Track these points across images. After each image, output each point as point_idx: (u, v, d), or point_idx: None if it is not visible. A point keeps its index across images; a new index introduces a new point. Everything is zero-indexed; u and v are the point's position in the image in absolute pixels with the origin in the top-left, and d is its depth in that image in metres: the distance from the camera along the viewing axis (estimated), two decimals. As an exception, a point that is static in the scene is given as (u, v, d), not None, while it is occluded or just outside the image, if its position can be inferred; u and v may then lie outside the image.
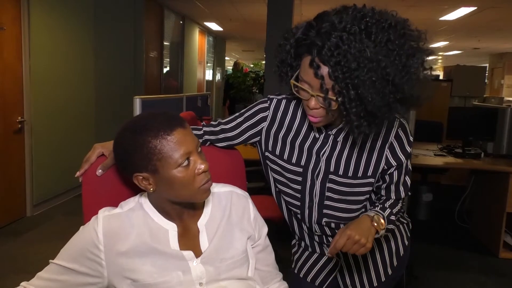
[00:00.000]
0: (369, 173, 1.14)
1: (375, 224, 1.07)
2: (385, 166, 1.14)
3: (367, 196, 1.19)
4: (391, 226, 1.15)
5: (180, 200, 0.99)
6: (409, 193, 1.21)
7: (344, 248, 1.02)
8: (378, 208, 1.15)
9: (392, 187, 1.18)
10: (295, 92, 1.03)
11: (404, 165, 1.15)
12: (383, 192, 1.19)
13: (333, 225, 1.22)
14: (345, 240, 1.01)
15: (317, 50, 0.92)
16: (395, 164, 1.14)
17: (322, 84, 0.93)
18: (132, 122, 0.97)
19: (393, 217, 1.15)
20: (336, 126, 1.14)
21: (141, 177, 0.96)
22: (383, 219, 1.10)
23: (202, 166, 0.95)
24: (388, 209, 1.15)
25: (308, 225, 1.26)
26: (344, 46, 0.89)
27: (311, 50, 0.94)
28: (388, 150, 1.13)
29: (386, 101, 0.93)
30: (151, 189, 0.96)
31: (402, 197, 1.19)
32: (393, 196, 1.18)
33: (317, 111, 1.01)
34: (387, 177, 1.16)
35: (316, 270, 1.36)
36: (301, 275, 1.38)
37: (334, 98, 0.95)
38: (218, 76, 11.89)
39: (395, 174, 1.16)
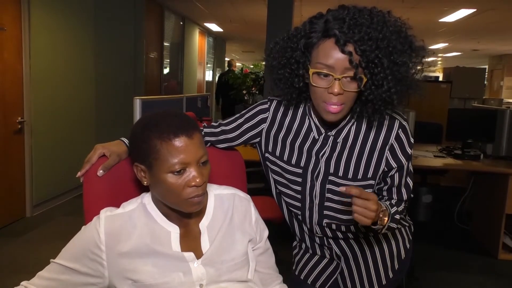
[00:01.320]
0: (369, 175, 1.14)
1: (380, 215, 1.05)
2: (385, 168, 1.14)
3: None
4: (394, 225, 1.15)
5: (168, 205, 0.99)
6: (412, 195, 1.21)
7: (356, 202, 0.96)
8: (387, 203, 1.14)
9: (394, 189, 1.17)
10: (312, 83, 1.03)
11: (405, 167, 1.15)
12: (385, 194, 1.19)
13: (334, 226, 1.22)
14: (368, 196, 0.96)
15: (338, 30, 0.96)
16: (396, 166, 1.13)
17: (351, 60, 0.96)
18: (149, 116, 1.00)
19: (397, 216, 1.15)
20: (336, 127, 1.14)
21: (139, 168, 0.98)
22: (388, 216, 1.08)
23: (197, 180, 0.94)
24: (395, 207, 1.15)
25: (309, 226, 1.26)
26: (365, 22, 0.95)
27: (331, 33, 0.97)
28: (388, 151, 1.13)
29: (412, 66, 1.01)
30: (145, 182, 0.99)
31: (404, 199, 1.19)
32: (395, 197, 1.18)
33: (340, 97, 1.00)
34: (388, 179, 1.16)
35: (317, 272, 1.36)
36: (302, 277, 1.38)
37: (362, 74, 0.98)
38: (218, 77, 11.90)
39: (396, 176, 1.15)
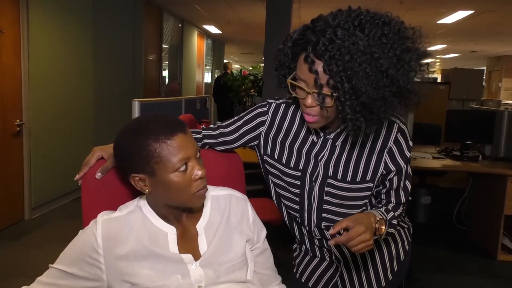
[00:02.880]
0: (368, 177, 1.14)
1: (377, 226, 1.07)
2: (384, 171, 1.14)
3: (366, 200, 1.18)
4: (391, 230, 1.15)
5: (175, 205, 0.99)
6: (410, 198, 1.21)
7: (350, 243, 0.97)
8: (383, 209, 1.15)
9: (392, 192, 1.18)
10: (292, 92, 1.03)
11: (403, 170, 1.15)
12: (383, 197, 1.19)
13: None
14: (359, 233, 0.97)
15: (312, 46, 0.93)
16: (395, 169, 1.13)
17: (316, 79, 0.94)
18: (134, 123, 0.98)
19: (394, 221, 1.16)
20: (334, 130, 1.14)
21: (137, 178, 0.97)
22: (385, 223, 1.10)
23: (199, 172, 0.95)
24: (391, 212, 1.15)
25: (307, 229, 1.26)
26: (338, 41, 0.90)
27: (306, 47, 0.95)
28: (387, 155, 1.13)
29: (382, 94, 0.93)
30: (147, 190, 0.98)
31: (402, 201, 1.19)
32: (393, 200, 1.18)
33: (313, 109, 1.01)
34: (387, 183, 1.16)
35: (317, 275, 1.36)
36: (303, 280, 1.38)
37: (329, 93, 0.95)
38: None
39: (395, 179, 1.15)
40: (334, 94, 0.94)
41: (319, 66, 0.93)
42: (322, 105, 0.97)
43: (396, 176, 1.15)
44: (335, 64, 0.90)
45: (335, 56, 0.90)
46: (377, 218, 1.08)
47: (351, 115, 0.95)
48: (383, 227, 1.09)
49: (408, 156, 1.14)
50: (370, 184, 1.15)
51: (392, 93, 0.95)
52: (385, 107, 0.96)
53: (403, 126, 1.13)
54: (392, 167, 1.13)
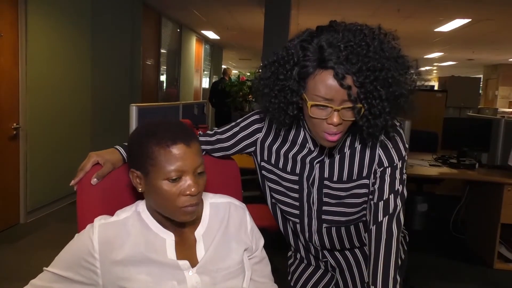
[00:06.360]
0: (364, 173, 1.12)
1: None
2: (377, 166, 1.11)
3: (365, 198, 1.15)
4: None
5: (161, 212, 0.99)
6: (404, 205, 1.19)
7: None
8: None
9: (381, 204, 1.09)
10: (310, 115, 0.99)
11: (397, 167, 1.10)
12: (372, 206, 1.11)
13: (333, 230, 1.21)
14: None
15: (334, 62, 0.92)
16: (387, 163, 1.09)
17: (350, 94, 0.93)
18: (148, 123, 1.00)
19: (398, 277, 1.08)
20: None
21: (135, 174, 0.98)
22: None
23: (192, 189, 0.93)
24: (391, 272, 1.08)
25: (307, 235, 1.25)
26: (362, 52, 0.91)
27: (328, 65, 0.92)
28: (380, 148, 1.10)
29: (408, 93, 0.98)
30: (140, 189, 0.99)
31: (398, 206, 1.09)
32: (380, 217, 1.08)
33: (339, 127, 0.98)
34: (378, 179, 1.10)
35: (312, 283, 1.35)
36: (297, 288, 1.38)
37: (360, 106, 0.95)
38: (214, 84, 11.93)
39: (387, 180, 1.09)
40: (366, 104, 0.95)
41: (349, 80, 0.92)
42: (357, 115, 0.97)
43: (389, 169, 1.09)
44: (365, 75, 0.91)
45: (363, 68, 0.91)
46: None
47: (390, 120, 0.99)
48: None
49: (403, 154, 1.11)
50: (366, 181, 1.13)
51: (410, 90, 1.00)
52: (408, 108, 1.01)
53: (399, 129, 1.12)
54: (386, 162, 1.10)
